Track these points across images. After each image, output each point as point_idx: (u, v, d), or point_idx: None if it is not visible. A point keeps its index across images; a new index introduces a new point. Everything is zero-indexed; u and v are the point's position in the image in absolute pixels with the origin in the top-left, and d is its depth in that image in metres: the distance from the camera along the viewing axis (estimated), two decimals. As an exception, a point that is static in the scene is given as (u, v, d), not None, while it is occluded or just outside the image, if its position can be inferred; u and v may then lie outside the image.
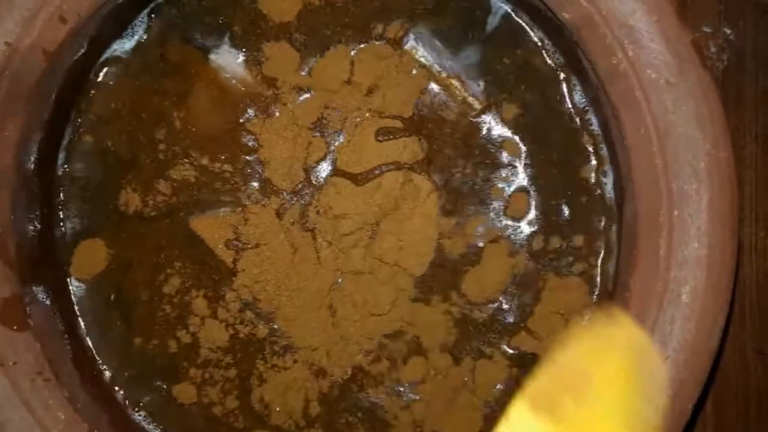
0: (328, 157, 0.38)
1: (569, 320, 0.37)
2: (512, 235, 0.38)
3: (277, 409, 0.37)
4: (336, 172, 0.38)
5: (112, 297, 0.38)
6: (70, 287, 0.37)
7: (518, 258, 0.37)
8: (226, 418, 0.38)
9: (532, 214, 0.38)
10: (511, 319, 0.37)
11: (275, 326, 0.37)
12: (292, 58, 0.38)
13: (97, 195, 0.38)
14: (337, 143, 0.38)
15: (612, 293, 0.35)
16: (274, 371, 0.37)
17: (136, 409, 0.37)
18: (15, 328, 0.32)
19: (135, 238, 0.38)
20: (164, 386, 0.37)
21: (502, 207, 0.38)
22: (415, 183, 0.37)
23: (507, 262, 0.37)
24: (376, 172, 0.37)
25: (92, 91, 0.38)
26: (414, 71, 0.38)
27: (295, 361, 0.37)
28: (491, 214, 0.38)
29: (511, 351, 0.37)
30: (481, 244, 0.37)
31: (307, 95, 0.38)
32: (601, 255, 0.37)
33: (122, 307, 0.38)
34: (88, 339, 0.37)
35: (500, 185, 0.38)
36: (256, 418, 0.37)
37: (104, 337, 0.37)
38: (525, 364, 0.37)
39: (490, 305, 0.37)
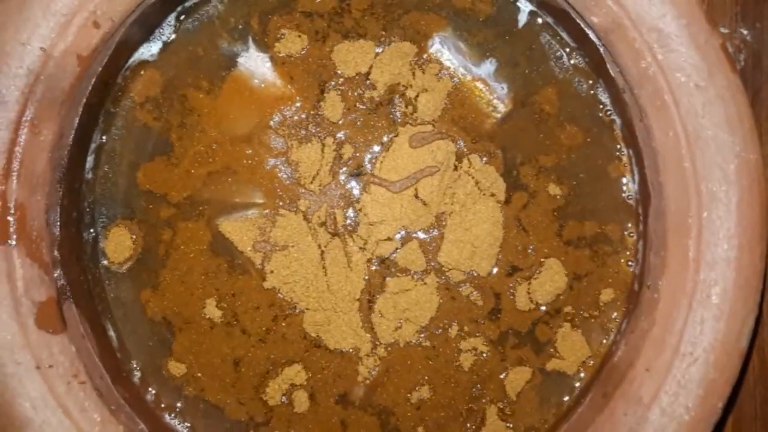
0: (359, 162, 0.38)
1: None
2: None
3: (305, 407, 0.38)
4: (370, 178, 0.38)
5: (143, 296, 0.38)
6: (102, 289, 0.37)
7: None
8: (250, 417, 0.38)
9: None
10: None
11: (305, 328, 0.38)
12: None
13: (125, 197, 0.38)
14: (369, 149, 0.38)
15: (638, 294, 0.36)
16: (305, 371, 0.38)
17: (167, 410, 0.37)
18: (51, 331, 0.32)
19: (164, 241, 0.38)
20: (192, 389, 0.38)
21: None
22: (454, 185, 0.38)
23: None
24: (412, 179, 0.38)
25: (119, 95, 0.38)
26: (440, 75, 0.38)
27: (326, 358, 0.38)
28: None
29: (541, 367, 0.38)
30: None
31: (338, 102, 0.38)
32: (628, 256, 0.37)
33: (153, 309, 0.38)
34: (117, 340, 0.37)
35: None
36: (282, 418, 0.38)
37: (135, 338, 0.38)
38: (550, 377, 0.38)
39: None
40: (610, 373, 0.35)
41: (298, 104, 0.38)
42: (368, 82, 0.38)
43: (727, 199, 0.32)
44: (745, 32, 0.45)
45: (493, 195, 0.38)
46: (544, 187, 0.38)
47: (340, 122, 0.38)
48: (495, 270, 0.38)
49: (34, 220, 0.33)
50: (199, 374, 0.38)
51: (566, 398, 0.38)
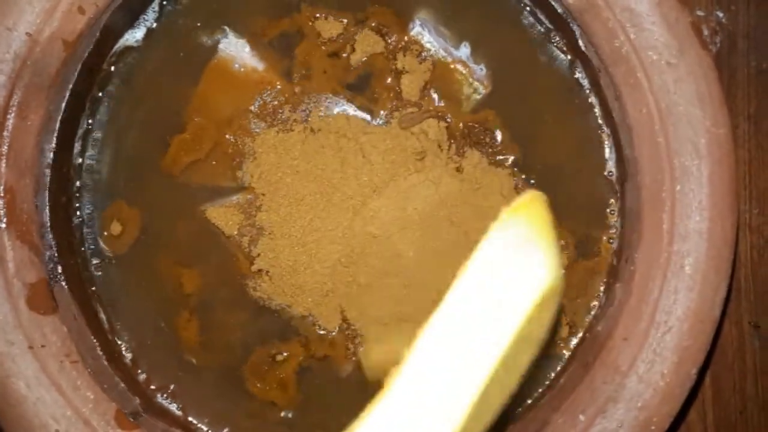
0: (349, 144, 0.39)
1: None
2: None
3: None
4: (361, 161, 0.38)
5: (133, 279, 0.39)
6: (91, 271, 0.38)
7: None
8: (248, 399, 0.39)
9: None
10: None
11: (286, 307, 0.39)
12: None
13: (113, 183, 0.39)
14: (358, 130, 0.39)
15: (617, 267, 0.37)
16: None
17: (159, 390, 0.38)
18: (42, 312, 0.33)
19: (153, 226, 0.39)
20: (183, 371, 0.38)
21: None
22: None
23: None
24: (403, 157, 0.38)
25: (106, 81, 0.38)
26: (421, 57, 0.39)
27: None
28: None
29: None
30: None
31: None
32: (611, 234, 0.38)
33: (143, 290, 0.39)
34: (108, 323, 0.38)
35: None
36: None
37: (126, 319, 0.38)
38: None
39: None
40: (590, 345, 0.36)
41: (278, 88, 0.39)
42: (350, 64, 0.39)
43: (698, 173, 0.33)
44: (721, 15, 0.46)
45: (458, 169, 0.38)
46: (527, 168, 0.39)
47: (323, 105, 0.39)
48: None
49: (24, 203, 0.34)
50: (192, 359, 0.39)
51: (551, 374, 0.39)
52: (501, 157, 0.39)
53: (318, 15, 0.39)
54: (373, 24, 0.39)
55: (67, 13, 0.33)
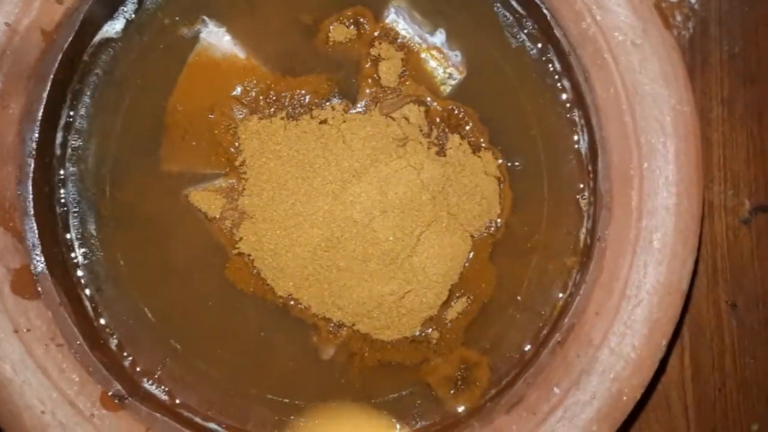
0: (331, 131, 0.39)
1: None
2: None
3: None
4: (341, 147, 0.39)
5: (116, 266, 0.39)
6: (76, 258, 0.39)
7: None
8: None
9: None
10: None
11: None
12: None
13: (96, 172, 0.39)
14: (338, 117, 0.39)
15: (590, 246, 0.38)
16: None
17: (144, 375, 0.39)
18: (26, 296, 0.33)
19: (136, 214, 0.39)
20: (169, 356, 0.39)
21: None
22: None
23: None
24: (384, 143, 0.39)
25: (86, 73, 0.39)
26: (397, 43, 0.40)
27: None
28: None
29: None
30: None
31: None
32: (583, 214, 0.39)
33: (127, 276, 0.39)
34: (92, 308, 0.38)
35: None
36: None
37: (112, 305, 0.39)
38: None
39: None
40: (565, 321, 0.37)
41: (260, 75, 0.40)
42: (328, 50, 0.40)
43: (665, 150, 0.34)
44: (693, 1, 0.47)
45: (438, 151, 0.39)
46: (503, 150, 0.40)
47: (303, 91, 0.40)
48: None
49: (6, 190, 0.34)
50: (177, 345, 0.39)
51: (527, 348, 0.39)
52: (480, 140, 0.40)
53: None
54: (348, 13, 0.40)
55: (44, 3, 0.33)
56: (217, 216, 0.39)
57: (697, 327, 0.46)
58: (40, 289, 0.34)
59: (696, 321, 0.46)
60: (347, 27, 0.40)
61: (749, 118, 0.46)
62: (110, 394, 0.34)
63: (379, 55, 0.40)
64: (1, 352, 0.32)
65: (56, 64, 0.36)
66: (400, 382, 0.39)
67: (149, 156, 0.39)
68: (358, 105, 0.40)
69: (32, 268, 0.34)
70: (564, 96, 0.39)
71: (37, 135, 0.36)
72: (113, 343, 0.38)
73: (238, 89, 0.40)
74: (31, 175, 0.36)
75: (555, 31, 0.37)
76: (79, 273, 0.39)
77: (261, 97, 0.40)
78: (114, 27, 0.39)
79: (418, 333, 0.39)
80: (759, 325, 0.46)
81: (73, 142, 0.39)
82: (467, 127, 0.39)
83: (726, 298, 0.46)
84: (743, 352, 0.46)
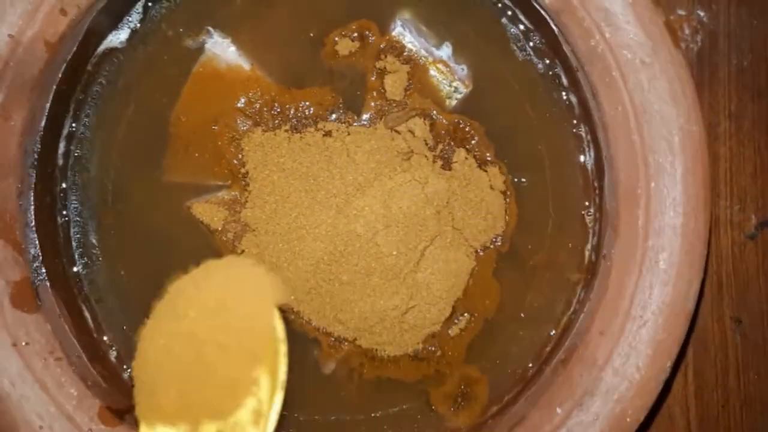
0: (335, 144, 0.39)
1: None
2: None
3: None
4: (345, 160, 0.39)
5: (118, 277, 0.39)
6: (77, 270, 0.38)
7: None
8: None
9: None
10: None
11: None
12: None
13: (98, 183, 0.39)
14: (343, 130, 0.39)
15: (595, 263, 0.37)
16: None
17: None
18: (26, 309, 0.33)
19: (139, 224, 0.39)
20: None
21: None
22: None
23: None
24: (388, 157, 0.39)
25: (90, 83, 0.39)
26: (403, 57, 0.40)
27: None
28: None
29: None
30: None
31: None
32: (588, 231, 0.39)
33: (128, 287, 0.39)
34: (93, 320, 0.38)
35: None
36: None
37: (112, 318, 0.39)
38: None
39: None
40: (569, 340, 0.37)
41: (264, 86, 0.39)
42: (335, 63, 0.39)
43: (672, 170, 0.33)
44: (702, 14, 0.46)
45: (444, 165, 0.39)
46: (509, 165, 0.39)
47: (308, 103, 0.39)
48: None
49: (7, 202, 0.34)
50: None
51: (530, 365, 0.39)
52: (486, 154, 0.39)
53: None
54: (354, 26, 0.40)
55: (48, 14, 0.33)
56: (219, 228, 0.39)
57: (701, 342, 0.46)
58: (39, 301, 0.34)
59: (700, 336, 0.46)
60: (352, 40, 0.40)
61: (757, 132, 0.46)
62: (111, 409, 0.34)
63: (384, 68, 0.40)
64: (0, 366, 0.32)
65: (60, 75, 0.35)
66: (400, 397, 0.39)
67: (152, 167, 0.39)
68: (363, 118, 0.39)
69: (33, 281, 0.34)
70: (571, 112, 0.39)
71: (39, 146, 0.35)
72: (113, 355, 0.38)
73: (243, 101, 0.39)
74: (32, 186, 0.35)
75: (563, 47, 0.37)
76: (80, 284, 0.38)
77: (265, 109, 0.39)
78: (119, 37, 0.39)
79: (420, 349, 0.39)
80: (763, 342, 0.46)
81: (76, 152, 0.39)
82: (473, 141, 0.39)
83: (731, 314, 0.46)
84: (747, 368, 0.46)
